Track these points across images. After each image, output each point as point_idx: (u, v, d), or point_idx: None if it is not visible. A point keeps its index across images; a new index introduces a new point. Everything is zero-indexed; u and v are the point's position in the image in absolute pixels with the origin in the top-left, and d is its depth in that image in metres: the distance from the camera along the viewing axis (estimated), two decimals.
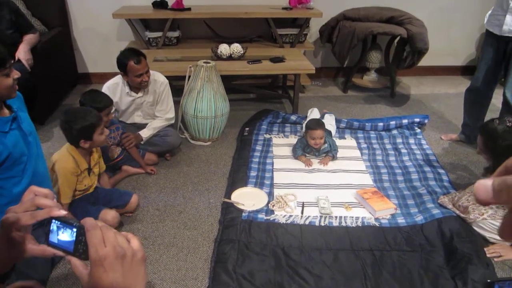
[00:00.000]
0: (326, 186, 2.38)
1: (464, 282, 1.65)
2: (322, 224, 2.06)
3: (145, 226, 2.08)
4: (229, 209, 2.14)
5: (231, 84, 3.43)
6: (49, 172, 1.85)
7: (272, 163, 2.60)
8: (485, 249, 1.89)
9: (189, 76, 2.79)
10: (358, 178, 2.47)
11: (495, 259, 1.86)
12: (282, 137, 2.96)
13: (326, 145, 2.59)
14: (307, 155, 2.66)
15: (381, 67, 3.92)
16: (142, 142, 2.53)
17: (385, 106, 3.60)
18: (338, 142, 2.82)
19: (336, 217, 2.11)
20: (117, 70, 2.43)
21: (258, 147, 2.77)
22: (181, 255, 1.89)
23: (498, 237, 1.94)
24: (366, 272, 1.75)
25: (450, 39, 4.14)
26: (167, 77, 2.63)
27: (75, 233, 0.65)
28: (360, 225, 2.05)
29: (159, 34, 3.48)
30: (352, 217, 2.10)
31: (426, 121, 3.15)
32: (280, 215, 2.11)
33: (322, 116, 2.99)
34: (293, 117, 3.15)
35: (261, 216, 2.10)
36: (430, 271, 1.76)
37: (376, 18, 3.56)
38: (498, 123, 1.85)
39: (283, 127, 3.10)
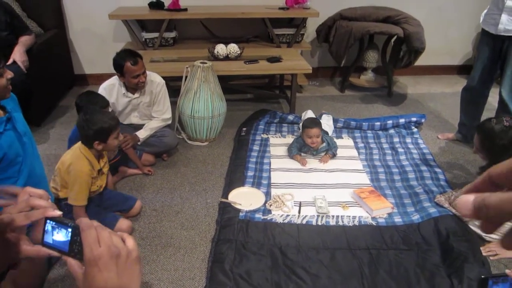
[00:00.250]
0: (323, 186, 2.38)
1: (460, 280, 1.65)
2: (319, 223, 2.06)
3: (142, 227, 2.08)
4: (226, 209, 2.15)
5: (228, 84, 3.43)
6: (61, 174, 1.84)
7: (269, 163, 2.60)
8: (481, 247, 1.89)
9: (186, 77, 2.79)
10: (355, 177, 2.48)
11: (491, 258, 1.87)
12: (279, 137, 2.96)
13: (324, 144, 2.60)
14: (305, 154, 2.67)
15: (378, 67, 3.93)
16: (139, 143, 2.53)
17: (382, 105, 3.61)
18: (335, 141, 2.82)
19: (333, 216, 2.11)
20: (114, 71, 2.43)
21: (256, 147, 2.78)
22: (178, 255, 1.89)
23: (494, 236, 1.95)
24: (363, 271, 1.76)
25: (447, 38, 4.16)
26: (163, 77, 2.63)
27: (70, 233, 0.65)
28: (357, 224, 2.05)
29: (156, 34, 3.48)
30: (349, 216, 2.11)
31: (423, 120, 3.16)
32: (277, 215, 2.11)
33: (320, 116, 3.00)
34: (290, 117, 3.16)
35: (258, 215, 2.10)
36: (427, 270, 1.76)
37: (373, 17, 3.57)
38: (496, 122, 1.86)
39: (280, 127, 3.10)
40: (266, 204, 2.19)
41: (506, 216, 0.34)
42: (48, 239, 0.66)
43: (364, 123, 3.08)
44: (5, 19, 2.75)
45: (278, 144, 2.85)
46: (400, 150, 2.77)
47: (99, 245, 0.60)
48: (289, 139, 2.89)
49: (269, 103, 3.62)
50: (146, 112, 2.62)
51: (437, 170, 2.52)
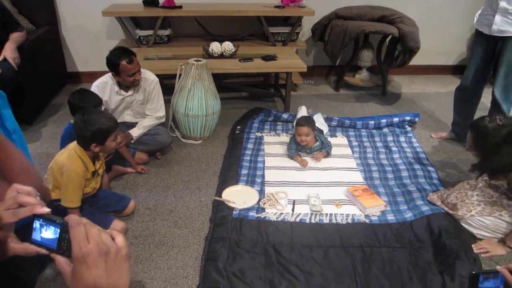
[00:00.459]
0: (317, 184, 2.38)
1: (452, 278, 1.66)
2: (313, 221, 2.06)
3: (135, 225, 2.06)
4: (220, 207, 2.14)
5: (223, 82, 3.43)
6: (54, 174, 1.81)
7: (264, 161, 2.60)
8: (472, 245, 1.91)
9: (180, 75, 2.78)
10: (349, 175, 2.48)
11: (482, 255, 1.89)
12: (274, 135, 2.96)
13: (317, 143, 2.60)
14: (300, 153, 2.66)
15: (373, 66, 3.94)
16: (132, 141, 2.52)
17: (377, 104, 3.62)
18: (329, 139, 2.82)
19: (326, 214, 2.11)
20: (108, 69, 2.41)
21: (250, 145, 2.77)
22: (171, 254, 1.89)
23: (485, 234, 1.96)
24: (356, 268, 1.76)
25: (442, 38, 4.17)
26: (158, 75, 2.62)
27: (58, 231, 0.64)
28: (350, 222, 2.06)
29: (150, 32, 3.46)
30: (343, 214, 2.11)
31: (416, 119, 3.18)
32: (271, 213, 2.11)
33: (311, 115, 3.00)
34: (285, 116, 3.16)
35: (252, 214, 2.10)
36: (419, 267, 1.77)
37: (368, 16, 3.57)
38: (489, 120, 1.87)
39: (274, 125, 3.10)
40: (260, 202, 2.19)
41: None
42: (36, 236, 0.65)
43: (358, 122, 3.09)
44: None
45: (272, 142, 2.85)
46: (394, 148, 2.79)
47: (88, 242, 0.60)
48: (284, 138, 2.89)
49: (264, 101, 3.62)
50: (140, 110, 2.60)
51: (430, 168, 2.53)
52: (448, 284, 1.65)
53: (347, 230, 1.99)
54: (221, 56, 3.14)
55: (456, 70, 4.36)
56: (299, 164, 2.57)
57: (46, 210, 0.68)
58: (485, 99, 2.85)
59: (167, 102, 2.77)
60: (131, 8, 3.43)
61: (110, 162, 2.45)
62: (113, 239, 0.63)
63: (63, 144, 2.07)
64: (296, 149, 2.63)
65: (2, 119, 1.50)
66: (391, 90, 3.93)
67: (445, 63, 4.37)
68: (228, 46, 3.14)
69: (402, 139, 2.93)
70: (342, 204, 2.20)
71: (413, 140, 2.92)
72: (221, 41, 3.20)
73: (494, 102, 2.54)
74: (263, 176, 2.45)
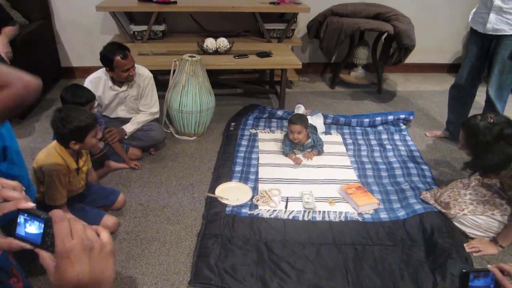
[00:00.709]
0: (310, 181, 2.38)
1: (443, 276, 1.67)
2: (306, 218, 2.06)
3: (128, 221, 2.05)
4: (213, 203, 2.13)
5: (218, 78, 3.41)
6: (37, 172, 1.80)
7: (258, 158, 2.60)
8: (464, 244, 1.92)
9: (174, 70, 2.76)
10: (343, 173, 2.48)
11: (474, 254, 1.89)
12: (268, 132, 2.95)
13: (309, 140, 2.59)
14: (294, 150, 2.66)
15: (368, 64, 3.93)
16: (126, 137, 2.50)
17: (372, 102, 3.62)
18: (324, 137, 2.83)
19: (319, 212, 2.11)
20: (102, 65, 2.39)
21: (244, 142, 2.76)
22: (163, 250, 1.88)
23: (477, 233, 1.97)
24: (347, 266, 1.76)
25: (437, 36, 4.18)
26: (152, 71, 2.60)
27: (42, 226, 0.63)
28: (343, 220, 2.06)
29: (144, 27, 3.44)
30: (336, 212, 2.11)
31: (411, 117, 3.18)
32: (264, 210, 2.11)
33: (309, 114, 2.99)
34: (280, 112, 3.15)
35: (245, 210, 2.09)
36: (411, 265, 1.78)
37: (364, 14, 3.57)
38: (480, 119, 1.87)
39: (269, 122, 3.10)
40: (253, 199, 2.18)
41: None
42: (21, 231, 0.65)
43: (353, 120, 3.09)
44: None
45: (267, 139, 2.84)
46: (388, 146, 2.79)
47: (72, 238, 0.59)
48: (278, 135, 2.89)
49: (258, 98, 3.61)
50: (133, 105, 2.59)
51: (424, 167, 2.54)
52: (439, 283, 1.66)
53: (339, 228, 1.99)
54: (216, 52, 3.12)
55: (452, 68, 4.37)
56: (293, 162, 2.56)
57: (30, 205, 0.67)
58: (480, 98, 2.86)
59: (161, 98, 2.76)
60: (125, 3, 3.40)
61: (103, 157, 2.44)
62: (98, 235, 0.63)
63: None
64: (290, 147, 2.62)
65: None
66: (386, 88, 3.93)
67: (441, 61, 4.38)
68: (223, 42, 3.13)
69: (396, 137, 2.93)
70: (335, 202, 2.20)
71: (408, 138, 2.92)
72: (216, 37, 3.18)
73: (488, 101, 2.55)
74: (257, 173, 2.44)
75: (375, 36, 3.72)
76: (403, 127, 3.07)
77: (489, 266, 0.90)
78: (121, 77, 2.38)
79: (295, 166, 2.53)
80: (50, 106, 3.27)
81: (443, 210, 2.05)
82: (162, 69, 2.95)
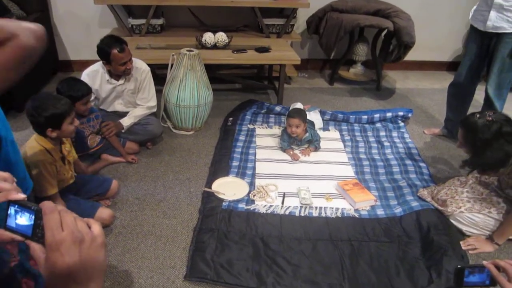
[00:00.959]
0: (307, 177, 2.38)
1: (439, 273, 1.67)
2: (302, 214, 2.06)
3: (124, 215, 2.05)
4: (209, 198, 2.13)
5: (216, 73, 3.40)
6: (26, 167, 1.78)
7: (255, 154, 2.59)
8: (460, 242, 1.92)
9: (172, 64, 2.75)
10: (340, 169, 2.48)
11: (470, 252, 1.89)
12: (266, 127, 2.94)
13: (307, 134, 2.59)
14: (292, 146, 2.66)
15: (367, 60, 3.92)
16: (123, 131, 2.49)
17: (370, 99, 3.61)
18: (322, 134, 2.82)
19: (316, 207, 2.11)
20: (99, 58, 2.37)
21: (241, 137, 2.76)
22: (159, 244, 1.87)
23: (474, 231, 1.97)
24: (343, 262, 1.76)
25: (437, 34, 4.16)
26: (150, 65, 2.59)
27: (33, 217, 0.63)
28: (340, 216, 2.05)
29: (143, 21, 3.41)
30: (332, 208, 2.11)
31: (409, 115, 3.17)
32: (260, 205, 2.10)
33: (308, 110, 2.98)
34: (278, 108, 3.14)
35: (242, 205, 2.09)
36: (407, 262, 1.77)
37: (364, 10, 3.55)
38: (479, 117, 1.87)
39: (267, 118, 3.09)
40: (250, 194, 2.18)
41: None
42: (11, 223, 0.64)
43: (351, 116, 3.08)
44: None
45: (264, 134, 2.83)
46: (386, 143, 2.78)
47: (62, 230, 0.58)
48: (276, 130, 2.88)
49: (257, 93, 3.60)
50: (131, 99, 2.57)
51: (422, 164, 2.54)
52: (435, 280, 1.66)
53: (336, 224, 1.99)
54: (214, 46, 3.10)
55: (451, 66, 4.36)
56: (291, 157, 2.55)
57: (21, 196, 0.66)
58: (479, 96, 2.85)
59: (159, 92, 2.74)
60: None
61: (100, 151, 2.43)
62: (89, 227, 0.62)
63: None
64: (288, 142, 2.61)
65: None
66: (385, 85, 3.92)
67: (440, 59, 4.37)
68: (221, 36, 3.11)
69: (394, 134, 2.92)
70: (332, 198, 2.20)
71: (406, 135, 2.92)
72: (214, 31, 3.16)
73: (487, 99, 2.54)
74: (254, 168, 2.43)
75: (375, 33, 3.70)
76: (402, 124, 3.06)
77: (484, 262, 0.90)
78: (118, 70, 2.37)
79: (292, 161, 2.53)
80: None
81: (440, 208, 2.05)
82: (160, 63, 2.93)
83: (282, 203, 2.13)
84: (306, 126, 2.55)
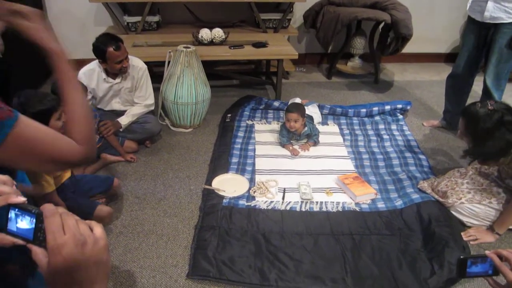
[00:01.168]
0: (307, 172, 2.37)
1: (441, 265, 1.67)
2: (303, 209, 2.06)
3: (124, 214, 2.04)
4: (210, 195, 2.12)
5: (213, 70, 3.38)
6: None
7: (254, 149, 2.58)
8: (462, 233, 1.92)
9: (169, 62, 2.73)
10: (340, 163, 2.47)
11: (471, 243, 1.90)
12: (265, 123, 2.94)
13: (306, 128, 2.58)
14: (291, 141, 2.65)
15: (365, 53, 3.90)
16: (121, 130, 2.48)
17: (369, 92, 3.60)
18: (321, 128, 2.81)
19: (317, 202, 2.11)
20: (95, 56, 2.35)
21: (240, 134, 2.75)
22: (160, 243, 1.87)
23: (475, 221, 1.97)
24: (345, 256, 1.76)
25: (435, 25, 4.14)
26: (146, 62, 2.57)
27: (34, 221, 0.62)
28: (341, 210, 2.05)
29: (138, 18, 3.39)
30: (333, 202, 2.11)
31: (408, 107, 3.17)
32: (261, 201, 2.10)
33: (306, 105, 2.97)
34: (276, 103, 3.13)
35: (242, 202, 2.08)
36: (408, 254, 1.78)
37: (361, 3, 3.53)
38: (480, 106, 1.86)
39: (265, 113, 3.08)
40: (250, 191, 2.17)
41: None
42: (12, 226, 0.63)
43: (350, 110, 3.07)
44: None
45: (263, 130, 2.82)
46: (385, 136, 2.78)
47: (64, 233, 0.57)
48: (275, 126, 2.87)
49: (255, 89, 3.58)
50: (128, 97, 2.56)
51: (421, 156, 2.54)
52: (437, 271, 1.66)
53: (337, 218, 1.99)
54: (211, 43, 3.09)
55: (449, 58, 4.34)
56: (290, 153, 2.55)
57: (21, 199, 0.65)
58: (477, 87, 2.85)
59: (156, 89, 2.73)
60: None
61: (98, 151, 2.42)
62: (91, 229, 0.61)
63: None
64: (287, 137, 2.61)
65: None
66: (384, 78, 3.91)
67: (438, 51, 4.35)
68: (218, 32, 3.09)
69: (393, 127, 2.92)
70: (333, 192, 2.19)
71: (405, 128, 2.91)
72: (211, 27, 3.14)
73: (486, 90, 2.54)
74: (253, 164, 2.43)
75: (372, 26, 3.68)
76: (400, 117, 3.06)
77: (487, 252, 0.89)
78: (114, 68, 2.35)
79: (292, 157, 2.52)
80: None
81: (441, 199, 2.05)
82: (156, 61, 2.92)
83: (283, 198, 2.13)
84: (304, 120, 2.54)
